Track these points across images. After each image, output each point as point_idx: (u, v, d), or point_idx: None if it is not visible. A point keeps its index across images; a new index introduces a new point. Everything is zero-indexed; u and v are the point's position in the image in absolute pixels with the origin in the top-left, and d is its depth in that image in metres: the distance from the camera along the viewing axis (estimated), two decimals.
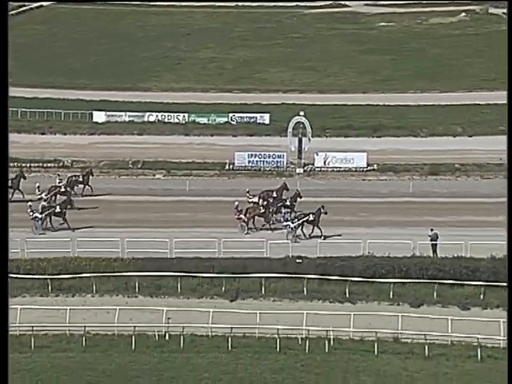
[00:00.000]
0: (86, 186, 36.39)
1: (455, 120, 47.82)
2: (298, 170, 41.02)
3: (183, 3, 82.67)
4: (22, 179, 35.27)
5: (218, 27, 74.29)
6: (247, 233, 32.36)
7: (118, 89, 54.69)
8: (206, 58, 64.49)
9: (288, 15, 77.87)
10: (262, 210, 32.78)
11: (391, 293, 27.66)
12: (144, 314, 25.84)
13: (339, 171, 41.02)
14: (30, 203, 32.47)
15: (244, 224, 32.43)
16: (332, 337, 24.60)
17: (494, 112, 48.73)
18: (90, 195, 36.40)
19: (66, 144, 45.17)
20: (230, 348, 24.22)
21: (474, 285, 27.63)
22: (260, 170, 40.93)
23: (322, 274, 28.24)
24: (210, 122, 48.43)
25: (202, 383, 22.49)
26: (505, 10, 75.10)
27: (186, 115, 48.66)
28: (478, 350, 24.11)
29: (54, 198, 34.08)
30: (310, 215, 31.79)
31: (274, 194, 34.39)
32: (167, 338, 24.82)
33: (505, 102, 49.62)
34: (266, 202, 33.14)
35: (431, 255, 30.15)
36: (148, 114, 48.63)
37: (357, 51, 66.02)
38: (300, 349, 24.20)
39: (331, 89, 55.62)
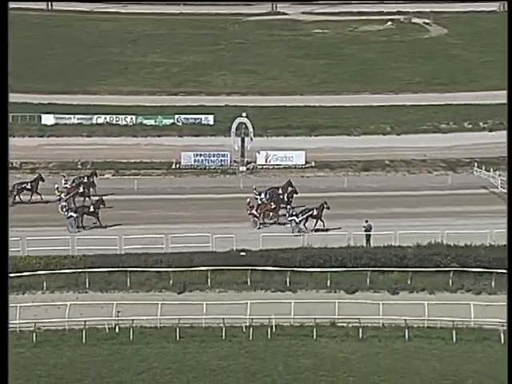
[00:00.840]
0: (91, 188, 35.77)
1: (385, 120, 48.71)
2: (241, 168, 41.10)
3: (129, 10, 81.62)
4: (40, 181, 35.09)
5: (164, 33, 73.58)
6: (259, 227, 32.21)
7: (67, 92, 53.57)
8: (153, 62, 63.80)
9: (230, 22, 77.78)
10: (274, 206, 32.80)
11: (328, 281, 28.05)
12: (94, 308, 25.45)
13: (280, 168, 41.28)
14: (64, 203, 32.51)
15: (256, 219, 32.51)
16: (274, 324, 24.78)
17: (418, 112, 49.91)
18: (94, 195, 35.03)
19: (15, 146, 43.73)
20: (177, 338, 24.12)
21: (402, 271, 28.27)
22: (205, 168, 40.82)
23: (264, 266, 28.41)
24: (157, 123, 48.01)
25: (151, 372, 22.34)
26: (426, 20, 77.08)
27: (134, 117, 48.09)
28: (406, 330, 24.71)
29: (73, 198, 34.02)
30: (314, 210, 32.14)
31: (280, 191, 34.43)
32: (117, 330, 24.52)
33: (429, 103, 51.56)
34: (276, 199, 33.24)
35: (365, 245, 30.70)
36: (96, 116, 47.83)
37: (294, 56, 66.46)
38: (244, 336, 24.29)
39: (271, 91, 55.88)
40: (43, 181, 35.34)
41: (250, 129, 41.42)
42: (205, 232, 30.60)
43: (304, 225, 32.04)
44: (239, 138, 41.45)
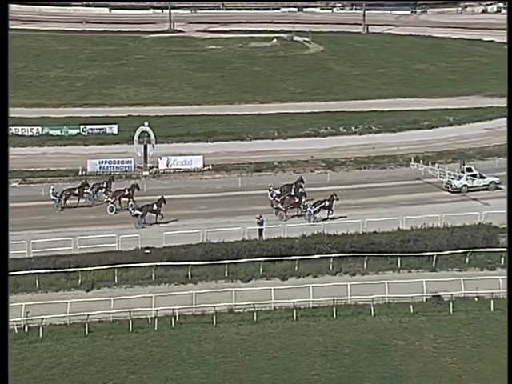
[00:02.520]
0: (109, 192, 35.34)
1: (273, 126, 49.53)
2: (144, 173, 40.46)
3: (32, 27, 78.00)
4: (86, 187, 35.17)
5: (67, 49, 70.87)
6: (285, 220, 32.62)
7: None
8: (57, 76, 61.26)
9: (130, 39, 76.22)
10: (297, 200, 33.51)
11: (226, 272, 28.20)
12: None
13: (180, 172, 40.97)
14: (131, 203, 33.05)
15: (283, 212, 33.16)
16: (177, 314, 24.59)
17: (301, 119, 51.18)
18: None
19: None
20: (87, 333, 23.39)
21: (291, 259, 28.95)
22: (110, 174, 39.75)
23: (167, 261, 28.11)
24: (63, 133, 46.15)
25: (62, 367, 21.52)
26: (306, 38, 79.35)
27: (40, 128, 45.91)
28: (294, 311, 25.35)
29: (119, 200, 34.33)
30: (326, 201, 33.18)
31: (294, 187, 34.91)
32: (26, 330, 23.36)
33: (310, 110, 53.02)
34: (299, 193, 33.84)
35: (258, 238, 31.13)
36: None
37: (191, 70, 66.20)
38: (150, 327, 23.97)
39: (171, 102, 55.31)
40: (89, 186, 35.32)
41: (152, 137, 40.90)
42: (111, 233, 29.82)
43: (316, 215, 32.81)
44: (142, 146, 40.81)
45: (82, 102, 53.57)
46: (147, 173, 40.45)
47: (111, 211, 33.96)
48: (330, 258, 28.93)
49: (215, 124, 50.00)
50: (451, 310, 25.38)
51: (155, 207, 32.67)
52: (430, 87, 58.92)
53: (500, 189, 36.31)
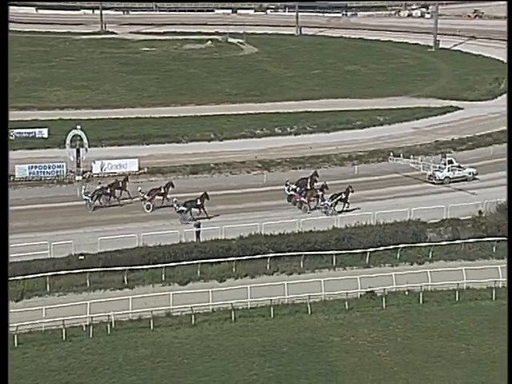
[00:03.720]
0: (123, 191, 36.04)
1: (209, 128, 49.39)
2: (77, 178, 39.38)
3: None
4: (117, 189, 35.56)
5: None
6: (309, 212, 33.64)
7: None
8: None
9: (60, 40, 74.04)
10: (320, 193, 34.26)
11: (163, 275, 27.88)
12: None
13: (115, 176, 40.09)
14: (175, 199, 33.45)
15: (306, 205, 34.12)
16: (113, 320, 24.09)
17: (237, 120, 51.28)
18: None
19: None
20: (16, 345, 22.50)
21: (228, 260, 28.96)
22: (41, 179, 38.45)
23: (103, 267, 27.49)
24: None
25: None
26: (240, 40, 79.67)
27: None
28: (232, 312, 25.38)
29: (153, 197, 34.84)
30: (342, 194, 34.03)
31: (309, 181, 35.82)
32: None
33: (245, 112, 53.24)
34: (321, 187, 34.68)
35: (195, 240, 30.95)
36: None
37: (125, 72, 65.05)
38: (85, 335, 23.37)
39: (104, 105, 54.12)
40: (120, 188, 35.78)
41: (85, 140, 39.85)
42: (42, 240, 28.84)
43: (334, 208, 33.73)
44: (74, 150, 39.69)
45: (9, 106, 51.44)
46: (80, 177, 39.39)
47: (148, 209, 34.45)
48: (267, 258, 29.14)
49: (150, 127, 49.35)
50: (384, 304, 26.14)
51: (199, 202, 33.45)
52: (361, 88, 60.49)
53: (476, 179, 38.41)
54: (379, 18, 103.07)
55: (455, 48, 77.48)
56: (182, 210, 33.07)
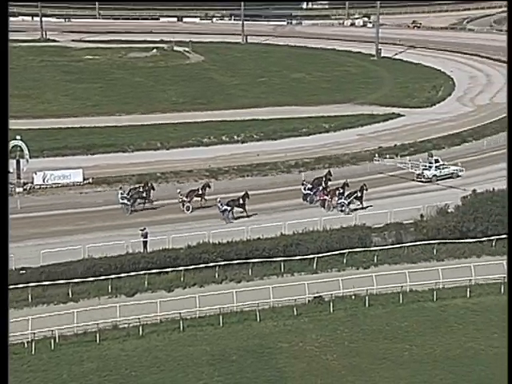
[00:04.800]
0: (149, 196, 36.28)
1: (155, 137, 49.04)
2: (17, 190, 38.28)
3: None
4: (152, 190, 36.16)
5: None
6: (332, 210, 34.61)
7: None
8: None
9: None
10: (341, 191, 35.20)
11: (109, 287, 27.45)
12: None
13: (58, 187, 39.26)
14: (219, 199, 34.16)
15: (329, 203, 35.02)
16: (57, 335, 23.51)
17: (184, 129, 51.12)
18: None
19: None
20: None
21: (176, 270, 28.79)
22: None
23: (45, 280, 26.81)
24: None
25: None
26: (186, 48, 79.66)
27: None
28: (181, 322, 25.25)
29: (191, 198, 35.76)
30: (358, 192, 34.96)
31: (324, 180, 36.83)
32: None
33: (192, 120, 53.22)
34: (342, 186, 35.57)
35: (142, 250, 30.63)
36: None
37: (67, 80, 63.86)
38: (26, 352, 22.69)
39: (46, 114, 52.95)
40: (154, 190, 36.25)
41: (26, 151, 38.80)
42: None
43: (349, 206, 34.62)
44: (14, 161, 38.58)
45: None
46: (21, 189, 38.31)
47: (187, 210, 35.34)
48: (215, 266, 29.14)
49: (95, 136, 48.57)
50: (331, 309, 26.58)
51: (241, 201, 34.39)
52: (306, 95, 61.51)
53: (460, 176, 40.06)
54: (323, 26, 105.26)
55: (396, 57, 79.95)
56: (226, 210, 33.95)
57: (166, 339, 24.35)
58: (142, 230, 31.27)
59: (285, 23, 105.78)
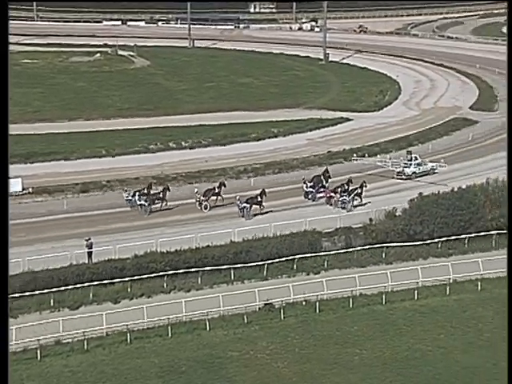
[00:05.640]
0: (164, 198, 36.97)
1: (99, 144, 48.26)
2: None
3: None
4: (168, 191, 37.10)
5: None
6: (339, 207, 35.62)
7: None
8: None
9: None
10: (347, 187, 36.28)
11: (52, 301, 26.80)
12: None
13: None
14: (238, 197, 35.37)
15: (336, 200, 35.91)
16: None
17: (129, 135, 50.60)
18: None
19: None
20: None
21: (123, 281, 28.37)
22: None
23: None
24: None
25: None
26: (131, 53, 78.83)
27: None
28: (128, 334, 24.90)
29: (208, 197, 36.50)
30: (358, 189, 36.06)
31: (322, 178, 38.09)
32: None
33: (138, 126, 52.69)
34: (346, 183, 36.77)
35: (87, 261, 30.05)
36: None
37: None
38: None
39: None
40: (169, 191, 37.18)
41: None
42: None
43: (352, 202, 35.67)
44: None
45: None
46: None
47: (205, 209, 36.22)
48: (163, 276, 28.88)
49: (35, 144, 47.37)
50: (282, 316, 26.78)
51: (259, 199, 35.51)
52: (255, 100, 61.95)
53: (436, 173, 41.85)
54: (271, 30, 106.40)
55: (344, 61, 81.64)
56: (245, 207, 35.03)
57: (113, 353, 23.95)
58: (86, 241, 30.70)
59: (232, 27, 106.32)
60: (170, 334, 25.30)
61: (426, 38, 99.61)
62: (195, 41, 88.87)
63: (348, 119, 55.82)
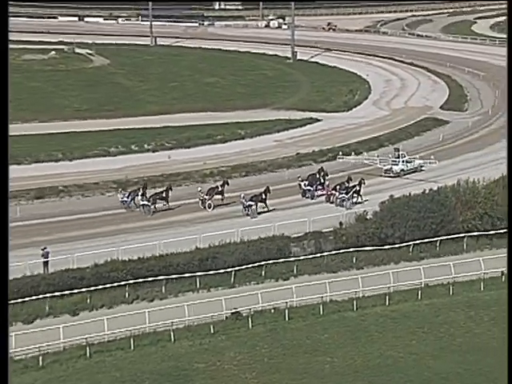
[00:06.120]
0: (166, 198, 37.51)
1: (56, 147, 47.67)
2: None
3: None
4: (170, 191, 37.66)
5: None
6: (341, 205, 36.84)
7: None
8: None
9: None
10: (347, 185, 37.72)
11: None
12: None
13: None
14: (242, 195, 36.32)
15: (336, 198, 37.14)
16: None
17: (88, 138, 50.13)
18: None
19: None
20: None
21: (81, 291, 28.04)
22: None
23: None
24: None
25: None
26: (89, 51, 78.12)
27: None
28: (87, 348, 24.61)
29: (212, 196, 37.50)
30: (357, 186, 37.48)
31: (318, 176, 39.52)
32: None
33: (98, 128, 52.22)
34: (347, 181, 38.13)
35: (43, 272, 29.59)
36: None
37: None
38: None
39: None
40: (172, 190, 37.66)
41: None
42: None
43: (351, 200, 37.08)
44: None
45: None
46: None
47: (209, 208, 37.04)
48: (125, 285, 28.66)
49: None
50: (250, 324, 26.83)
51: (263, 196, 36.46)
52: (221, 101, 62.04)
53: (423, 170, 43.11)
54: (237, 28, 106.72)
55: (312, 59, 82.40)
56: (250, 205, 35.93)
57: (71, 368, 23.65)
58: (42, 250, 30.25)
59: (196, 24, 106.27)
60: (132, 347, 25.11)
61: (395, 36, 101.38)
62: (158, 38, 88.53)
63: (317, 120, 56.34)
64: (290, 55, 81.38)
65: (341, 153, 45.10)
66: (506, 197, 33.85)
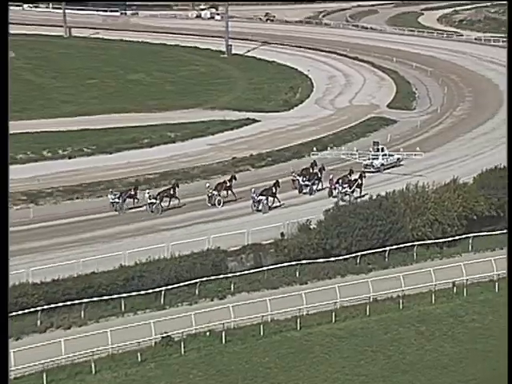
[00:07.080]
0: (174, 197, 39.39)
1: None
2: None
3: None
4: (177, 187, 39.62)
5: None
6: (343, 199, 38.86)
7: None
8: None
9: None
10: (349, 178, 40.16)
11: None
12: None
13: None
14: (253, 189, 38.52)
15: (339, 192, 39.31)
16: None
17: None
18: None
19: None
20: None
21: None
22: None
23: None
24: None
25: None
26: None
27: None
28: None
29: (219, 192, 39.52)
30: (359, 180, 39.77)
31: (311, 170, 41.96)
32: None
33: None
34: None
35: None
36: None
37: None
38: None
39: None
40: (178, 187, 39.57)
41: None
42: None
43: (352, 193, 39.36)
44: None
45: None
46: None
47: (219, 204, 39.00)
48: (37, 312, 28.05)
49: None
50: (182, 350, 26.80)
51: (273, 190, 38.65)
52: (147, 100, 61.78)
53: (402, 165, 45.66)
54: (164, 18, 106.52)
55: (249, 54, 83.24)
56: (261, 200, 37.99)
57: None
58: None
59: (118, 14, 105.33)
60: (44, 383, 24.56)
61: (338, 28, 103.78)
62: (72, 29, 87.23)
63: (255, 120, 56.91)
64: (224, 49, 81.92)
65: (315, 148, 46.55)
66: (457, 202, 35.25)
